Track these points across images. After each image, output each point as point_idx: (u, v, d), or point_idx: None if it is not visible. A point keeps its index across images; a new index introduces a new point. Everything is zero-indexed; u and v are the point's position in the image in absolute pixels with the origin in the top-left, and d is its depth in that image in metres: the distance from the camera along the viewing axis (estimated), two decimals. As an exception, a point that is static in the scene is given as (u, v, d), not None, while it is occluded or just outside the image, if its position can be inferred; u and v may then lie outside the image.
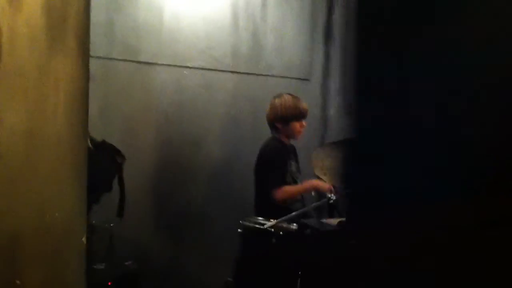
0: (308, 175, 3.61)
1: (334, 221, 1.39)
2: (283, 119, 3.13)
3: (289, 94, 3.21)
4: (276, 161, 3.09)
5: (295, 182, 3.19)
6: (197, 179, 3.48)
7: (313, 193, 3.11)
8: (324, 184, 2.99)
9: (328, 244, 1.19)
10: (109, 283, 2.52)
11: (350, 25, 4.11)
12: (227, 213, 3.50)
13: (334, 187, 2.89)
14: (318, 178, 3.29)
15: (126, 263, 2.68)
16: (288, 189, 3.04)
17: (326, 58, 4.25)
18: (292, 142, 3.27)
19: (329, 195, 2.43)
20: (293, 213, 2.49)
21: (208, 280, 3.29)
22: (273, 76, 3.88)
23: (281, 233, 2.51)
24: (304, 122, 3.17)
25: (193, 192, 3.44)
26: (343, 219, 1.42)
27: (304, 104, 3.17)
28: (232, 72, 3.64)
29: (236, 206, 3.53)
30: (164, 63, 3.30)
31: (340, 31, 4.17)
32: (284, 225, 2.51)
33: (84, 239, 1.73)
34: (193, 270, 3.35)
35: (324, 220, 1.82)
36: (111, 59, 3.08)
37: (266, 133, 3.48)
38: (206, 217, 3.46)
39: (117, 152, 2.50)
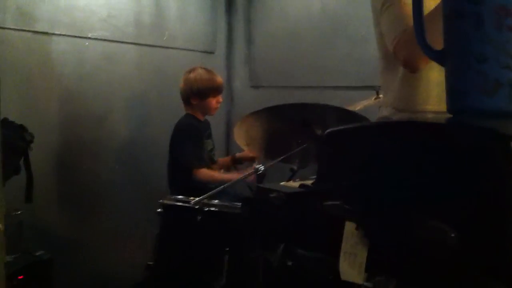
0: (220, 151, 3.55)
1: (294, 184, 1.32)
2: (199, 94, 3.02)
3: (203, 67, 3.09)
4: (193, 139, 2.99)
5: (212, 160, 3.11)
6: (104, 157, 3.26)
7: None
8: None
9: (300, 207, 1.11)
10: (20, 277, 2.27)
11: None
12: (139, 192, 3.34)
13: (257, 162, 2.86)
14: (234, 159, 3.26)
15: (37, 253, 2.44)
16: (209, 174, 2.96)
17: (229, 29, 4.16)
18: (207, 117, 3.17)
19: (257, 165, 2.37)
20: (219, 188, 2.40)
21: (126, 265, 3.11)
22: (176, 48, 3.73)
23: (206, 209, 2.42)
24: (220, 98, 3.08)
25: (100, 172, 3.22)
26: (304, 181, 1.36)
27: (219, 78, 3.08)
28: (135, 43, 3.43)
29: (147, 185, 3.38)
30: (63, 33, 3.01)
31: (243, 2, 4.10)
32: (212, 201, 2.42)
33: (1, 226, 1.53)
34: (110, 255, 3.15)
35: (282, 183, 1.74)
36: (3, 28, 2.75)
37: (173, 107, 3.35)
38: (116, 197, 3.26)
39: (23, 128, 2.25)
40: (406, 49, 1.57)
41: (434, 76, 1.64)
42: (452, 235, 0.78)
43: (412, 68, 1.63)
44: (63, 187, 3.04)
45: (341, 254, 0.95)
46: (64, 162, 3.04)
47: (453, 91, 0.92)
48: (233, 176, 3.03)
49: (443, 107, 1.61)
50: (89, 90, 3.16)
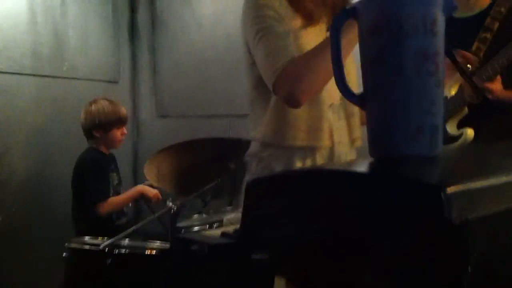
0: (126, 184, 3.41)
1: (216, 232, 1.26)
2: (102, 127, 2.89)
3: (105, 98, 2.97)
4: (96, 173, 2.85)
5: (118, 194, 2.98)
6: (2, 199, 3.02)
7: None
8: (150, 191, 2.86)
9: (226, 260, 1.06)
10: None
11: (156, 24, 3.98)
12: (42, 235, 3.12)
13: (160, 196, 2.79)
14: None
15: None
16: (114, 200, 2.83)
17: (133, 58, 4.06)
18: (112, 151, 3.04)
19: (170, 203, 2.29)
20: (129, 230, 2.28)
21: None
22: (78, 79, 3.57)
23: (116, 251, 2.29)
24: (124, 129, 2.97)
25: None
26: (231, 226, 1.30)
27: (123, 109, 2.97)
28: (33, 75, 3.24)
29: (51, 227, 3.17)
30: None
31: (147, 29, 4.01)
32: (122, 242, 2.30)
33: None
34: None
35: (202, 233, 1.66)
36: None
37: (75, 141, 3.19)
38: (15, 242, 3.02)
39: None
40: (288, 85, 1.51)
41: (304, 111, 1.61)
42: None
43: (294, 104, 1.56)
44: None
45: (271, 312, 0.90)
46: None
47: (375, 136, 0.91)
48: (134, 191, 2.93)
49: (311, 142, 1.63)
50: (-17, 126, 2.94)
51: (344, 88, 0.96)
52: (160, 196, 2.86)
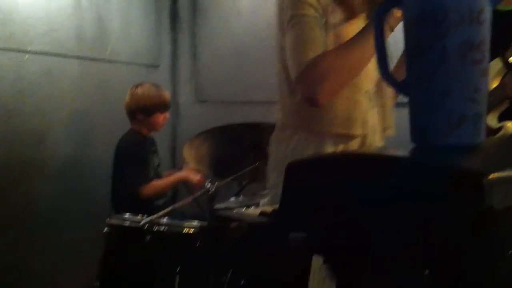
0: (164, 167, 3.48)
1: (253, 211, 1.29)
2: (146, 110, 2.95)
3: (151, 83, 3.03)
4: (138, 157, 2.91)
5: (159, 177, 3.05)
6: (45, 178, 3.12)
7: None
8: (193, 175, 2.90)
9: (264, 239, 1.09)
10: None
11: (197, 10, 4.02)
12: (82, 213, 3.21)
13: (203, 177, 2.82)
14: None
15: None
16: (156, 184, 2.90)
17: (174, 43, 4.11)
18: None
19: (208, 185, 2.33)
20: (168, 209, 2.34)
21: (69, 286, 2.99)
22: (120, 62, 3.64)
23: (155, 229, 2.36)
24: (167, 114, 3.02)
25: (41, 193, 3.08)
26: (269, 208, 1.33)
27: (167, 94, 3.03)
28: (76, 57, 3.32)
29: (90, 205, 3.26)
30: (0, 46, 2.88)
31: (188, 16, 4.06)
32: (161, 221, 2.36)
33: None
34: (51, 277, 3.01)
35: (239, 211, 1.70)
36: None
37: (116, 123, 3.27)
38: (58, 219, 3.13)
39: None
40: (310, 86, 1.51)
41: (338, 97, 1.58)
42: (426, 272, 0.77)
43: (312, 104, 1.55)
44: (1, 209, 2.88)
45: (309, 290, 0.92)
46: (3, 183, 2.89)
47: (417, 124, 0.92)
48: (177, 176, 2.98)
49: (344, 129, 1.62)
50: (28, 106, 3.03)
51: (387, 75, 0.98)
52: (203, 182, 2.88)
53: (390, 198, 0.82)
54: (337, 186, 0.91)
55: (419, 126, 0.92)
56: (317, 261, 0.93)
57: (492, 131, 2.02)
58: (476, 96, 0.86)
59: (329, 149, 1.64)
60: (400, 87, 0.97)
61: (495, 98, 2.03)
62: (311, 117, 1.63)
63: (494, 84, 2.05)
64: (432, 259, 0.76)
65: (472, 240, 0.73)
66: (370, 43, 1.21)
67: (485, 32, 0.87)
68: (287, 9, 1.61)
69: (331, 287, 0.90)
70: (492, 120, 2.05)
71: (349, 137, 1.65)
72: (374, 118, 1.69)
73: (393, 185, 0.81)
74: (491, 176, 0.70)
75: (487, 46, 0.87)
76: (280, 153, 1.70)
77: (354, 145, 1.66)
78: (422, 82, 0.90)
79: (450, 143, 0.88)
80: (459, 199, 0.74)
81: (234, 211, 1.50)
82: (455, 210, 0.75)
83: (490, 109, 2.04)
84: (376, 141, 1.70)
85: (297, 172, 1.01)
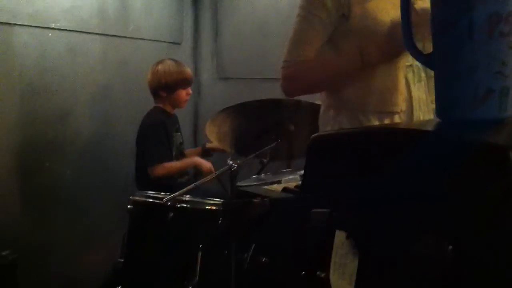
0: (187, 144, 3.50)
1: (276, 187, 1.29)
2: (168, 87, 2.95)
3: (172, 59, 3.03)
4: (159, 135, 2.92)
5: (182, 154, 3.06)
6: (69, 154, 3.16)
7: None
8: (205, 162, 2.91)
9: (287, 214, 1.09)
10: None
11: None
12: (106, 189, 3.26)
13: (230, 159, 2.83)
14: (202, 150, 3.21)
15: (3, 253, 2.35)
16: (168, 166, 2.90)
17: (196, 20, 4.10)
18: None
19: (230, 162, 2.33)
20: (190, 186, 2.35)
21: (94, 264, 3.05)
22: (142, 39, 3.64)
23: (178, 206, 2.37)
24: (189, 90, 3.03)
25: (66, 170, 3.12)
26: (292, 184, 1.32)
27: (189, 70, 3.02)
28: (99, 34, 3.33)
29: (114, 182, 3.30)
30: (25, 23, 2.89)
31: (209, -6, 4.04)
32: (184, 198, 2.37)
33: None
34: (75, 253, 3.07)
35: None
36: (-39, 19, 2.63)
37: (139, 100, 3.29)
38: (83, 195, 3.17)
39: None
40: (293, 85, 1.70)
41: (381, 74, 1.62)
42: (450, 247, 0.77)
43: (286, 95, 1.80)
44: (26, 186, 2.93)
45: (331, 264, 0.93)
46: (26, 160, 2.94)
47: (443, 98, 0.91)
48: (188, 161, 3.00)
49: (388, 106, 1.63)
50: (52, 83, 3.05)
51: (412, 48, 0.96)
52: (213, 170, 2.89)
53: (414, 173, 0.81)
54: (359, 160, 0.91)
55: (445, 101, 0.91)
56: (339, 236, 0.93)
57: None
58: (503, 70, 0.85)
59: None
60: (426, 60, 0.95)
61: None
62: (352, 96, 1.66)
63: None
64: (456, 234, 0.76)
65: (496, 214, 0.72)
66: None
67: (514, 4, 0.85)
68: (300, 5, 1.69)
69: (354, 262, 0.90)
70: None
71: (392, 113, 1.65)
72: (420, 92, 1.68)
73: (417, 160, 0.81)
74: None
75: (516, 18, 0.85)
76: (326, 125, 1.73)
77: (398, 120, 1.67)
78: (448, 56, 0.88)
79: (476, 117, 0.87)
80: (484, 173, 0.73)
81: (258, 186, 1.50)
82: (480, 184, 0.74)
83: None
84: (424, 115, 1.69)
85: (319, 147, 1.01)
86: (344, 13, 1.62)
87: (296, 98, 2.37)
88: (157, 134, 2.92)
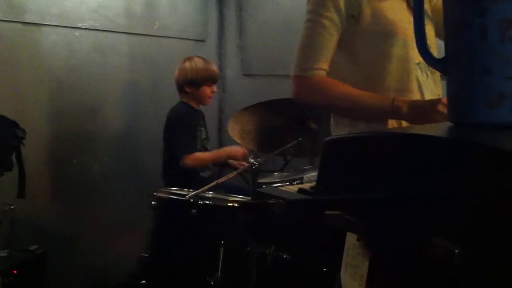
0: (212, 140, 3.54)
1: (292, 188, 1.31)
2: (194, 83, 3.00)
3: (199, 56, 3.08)
4: (186, 126, 2.97)
5: (205, 149, 3.10)
6: (96, 150, 3.23)
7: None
8: (237, 150, 2.94)
9: (301, 215, 1.11)
10: (15, 272, 2.26)
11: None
12: (132, 184, 3.32)
13: (248, 152, 2.85)
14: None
15: (31, 248, 2.43)
16: (200, 156, 2.95)
17: (220, 18, 4.13)
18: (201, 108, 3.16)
19: (251, 160, 2.36)
20: (213, 183, 2.39)
21: (119, 258, 3.11)
22: (168, 37, 3.69)
23: (201, 202, 2.41)
24: (215, 87, 3.07)
25: (93, 165, 3.19)
26: (309, 184, 1.35)
27: (215, 68, 3.07)
28: (126, 33, 3.39)
29: (140, 177, 3.36)
30: (53, 23, 2.96)
31: (235, -10, 4.06)
32: (206, 194, 2.41)
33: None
34: (104, 248, 3.15)
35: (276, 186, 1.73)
36: (-7, 19, 2.70)
37: (166, 97, 3.34)
38: (109, 190, 3.24)
39: (15, 125, 2.22)
40: (313, 97, 1.69)
41: (394, 71, 1.63)
42: (456, 251, 0.77)
43: (298, 102, 1.77)
44: (55, 181, 3.01)
45: (343, 265, 0.94)
46: (56, 156, 3.02)
47: (455, 101, 0.91)
48: (222, 151, 3.03)
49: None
50: (80, 81, 3.12)
51: (425, 52, 0.97)
52: (247, 152, 2.91)
53: (424, 176, 0.82)
54: (371, 163, 0.92)
55: (457, 105, 0.91)
56: (351, 238, 0.95)
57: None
58: (516, 75, 0.85)
59: (391, 122, 1.65)
60: (437, 63, 0.96)
61: None
62: (367, 88, 1.65)
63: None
64: (463, 238, 0.77)
65: (503, 219, 0.72)
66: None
67: (526, 9, 0.84)
68: (309, 1, 1.69)
69: (365, 263, 0.92)
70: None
71: None
72: (430, 89, 1.69)
73: (427, 163, 0.82)
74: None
75: (528, 23, 0.85)
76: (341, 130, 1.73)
77: None
78: (461, 59, 0.89)
79: (488, 122, 0.87)
80: (491, 178, 0.74)
81: (275, 187, 1.53)
82: (487, 188, 0.75)
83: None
84: None
85: (333, 149, 1.02)
86: (353, 14, 1.62)
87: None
88: (184, 126, 2.96)
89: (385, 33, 1.58)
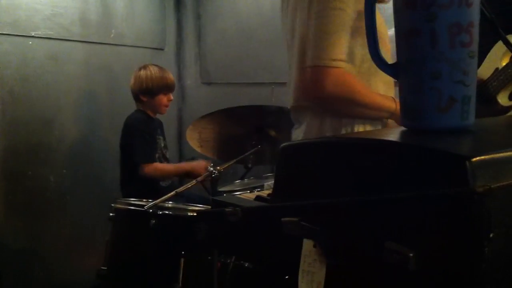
0: (171, 150, 3.50)
1: (250, 195, 1.30)
2: (149, 91, 2.96)
3: (155, 65, 3.04)
4: (143, 134, 2.92)
5: (165, 158, 3.06)
6: (52, 161, 3.15)
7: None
8: (200, 167, 2.89)
9: (258, 222, 1.10)
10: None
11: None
12: (90, 196, 3.25)
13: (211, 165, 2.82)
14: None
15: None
16: (160, 167, 2.90)
17: (179, 26, 4.10)
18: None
19: (211, 168, 2.34)
20: (172, 193, 2.35)
21: (78, 271, 3.04)
22: (124, 45, 3.64)
23: (160, 212, 2.37)
24: (171, 95, 3.04)
25: (49, 177, 3.11)
26: (267, 191, 1.34)
27: (171, 76, 3.03)
28: (81, 41, 3.33)
29: (99, 188, 3.30)
30: (5, 32, 2.89)
31: (192, -2, 4.05)
32: (165, 204, 2.38)
33: None
34: (59, 261, 3.06)
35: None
36: None
37: (123, 106, 3.29)
38: (67, 202, 3.17)
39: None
40: (333, 87, 1.52)
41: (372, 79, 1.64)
42: (411, 254, 0.78)
43: (315, 99, 1.60)
44: (10, 195, 2.92)
45: (299, 272, 0.94)
46: (11, 169, 2.93)
47: (407, 106, 0.92)
48: (183, 167, 2.99)
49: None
50: (34, 91, 3.05)
51: (378, 59, 0.97)
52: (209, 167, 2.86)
53: (378, 181, 0.82)
54: (325, 169, 0.92)
55: (409, 110, 0.92)
56: (307, 245, 0.94)
57: (503, 110, 2.00)
58: (465, 79, 0.86)
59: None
60: (390, 69, 0.96)
61: (506, 77, 2.01)
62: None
63: (504, 62, 2.02)
64: (417, 241, 0.77)
65: (455, 223, 0.73)
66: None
67: (474, 14, 0.86)
68: (317, 2, 1.56)
69: (321, 270, 0.92)
70: (503, 98, 2.03)
71: (380, 119, 1.66)
72: None
73: (380, 169, 0.82)
74: (474, 159, 0.70)
75: (476, 29, 0.87)
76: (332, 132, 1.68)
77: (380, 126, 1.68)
78: (412, 65, 0.90)
79: (439, 126, 0.88)
80: (444, 182, 0.75)
81: (235, 194, 1.51)
82: (440, 192, 0.75)
83: (500, 88, 2.02)
84: None
85: (289, 156, 1.02)
86: (360, 10, 1.58)
87: (277, 104, 2.38)
88: (141, 134, 2.92)
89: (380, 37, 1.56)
